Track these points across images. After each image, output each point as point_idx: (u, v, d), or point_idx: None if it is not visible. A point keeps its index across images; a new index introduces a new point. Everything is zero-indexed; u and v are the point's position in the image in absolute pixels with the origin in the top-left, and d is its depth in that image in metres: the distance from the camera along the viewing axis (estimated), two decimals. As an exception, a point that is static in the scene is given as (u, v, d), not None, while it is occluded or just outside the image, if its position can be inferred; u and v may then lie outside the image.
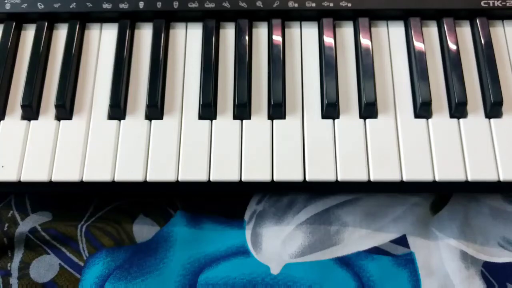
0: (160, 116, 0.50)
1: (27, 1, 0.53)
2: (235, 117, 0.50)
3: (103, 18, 0.54)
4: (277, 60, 0.51)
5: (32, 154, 0.49)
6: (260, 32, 0.54)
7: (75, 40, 0.53)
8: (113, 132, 0.49)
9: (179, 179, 0.47)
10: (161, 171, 0.48)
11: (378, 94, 0.50)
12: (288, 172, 0.48)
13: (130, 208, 0.54)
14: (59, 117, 0.50)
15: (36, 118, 0.50)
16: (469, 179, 0.47)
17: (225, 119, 0.50)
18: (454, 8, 0.53)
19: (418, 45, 0.52)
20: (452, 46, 0.52)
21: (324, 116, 0.50)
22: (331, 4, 0.53)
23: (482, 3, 0.53)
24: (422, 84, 0.50)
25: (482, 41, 0.52)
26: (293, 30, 0.54)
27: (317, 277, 0.51)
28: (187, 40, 0.54)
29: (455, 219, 0.53)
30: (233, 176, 0.47)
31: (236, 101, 0.50)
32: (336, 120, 0.50)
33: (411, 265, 0.51)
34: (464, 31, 0.54)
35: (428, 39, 0.53)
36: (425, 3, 0.53)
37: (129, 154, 0.48)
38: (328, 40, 0.52)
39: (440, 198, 0.54)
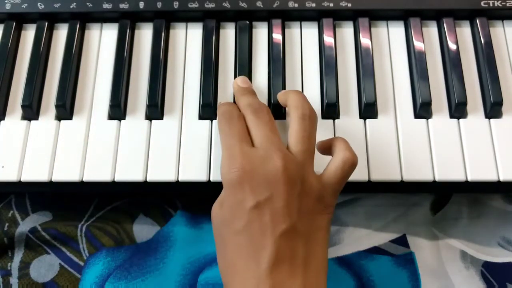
0: (160, 116, 0.50)
1: (27, 1, 0.53)
2: (235, 117, 0.50)
3: (103, 18, 0.54)
4: (277, 60, 0.51)
5: (32, 154, 0.49)
6: (260, 32, 0.54)
7: (75, 40, 0.53)
8: (113, 132, 0.49)
9: (179, 179, 0.47)
10: (161, 171, 0.48)
11: (378, 94, 0.50)
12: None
13: (130, 208, 0.54)
14: (59, 117, 0.50)
15: (36, 118, 0.50)
16: (469, 179, 0.47)
17: (225, 119, 0.50)
18: (454, 8, 0.53)
19: (418, 45, 0.52)
20: (452, 46, 0.52)
21: (324, 116, 0.50)
22: (331, 4, 0.53)
23: (482, 3, 0.53)
24: (422, 84, 0.50)
25: (482, 41, 0.52)
26: (293, 30, 0.54)
27: (317, 277, 0.51)
28: (187, 40, 0.54)
29: (455, 219, 0.53)
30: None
31: (236, 101, 0.50)
32: (336, 120, 0.50)
33: (411, 265, 0.51)
34: (464, 31, 0.54)
35: (428, 39, 0.53)
36: (425, 3, 0.53)
37: (129, 154, 0.48)
38: (328, 40, 0.52)
39: (440, 198, 0.54)
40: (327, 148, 0.44)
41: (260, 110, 0.43)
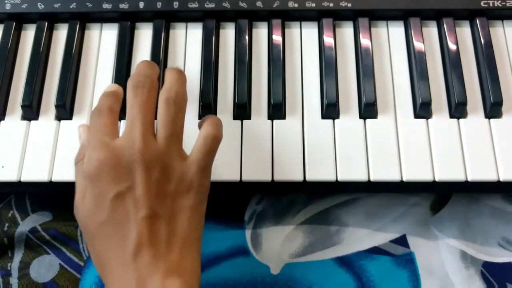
0: (160, 116, 0.50)
1: (27, 1, 0.53)
2: (235, 117, 0.50)
3: (103, 18, 0.54)
4: (277, 60, 0.51)
5: (32, 154, 0.49)
6: (260, 32, 0.54)
7: (75, 40, 0.53)
8: (113, 132, 0.49)
9: (179, 179, 0.47)
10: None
11: (378, 94, 0.50)
12: (288, 173, 0.48)
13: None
14: (59, 117, 0.50)
15: (36, 118, 0.50)
16: (469, 179, 0.47)
17: (225, 120, 0.49)
18: (454, 8, 0.53)
19: (418, 45, 0.52)
20: (452, 46, 0.52)
21: (324, 116, 0.50)
22: (331, 4, 0.53)
23: (482, 3, 0.53)
24: (422, 84, 0.50)
25: (482, 41, 0.52)
26: (293, 30, 0.54)
27: (317, 277, 0.51)
28: (187, 40, 0.54)
29: (455, 219, 0.53)
30: (233, 176, 0.47)
31: (236, 101, 0.50)
32: (336, 120, 0.50)
33: (411, 265, 0.51)
34: (464, 31, 0.54)
35: (428, 39, 0.53)
36: (425, 3, 0.53)
37: (129, 154, 0.48)
38: (328, 40, 0.52)
39: (440, 198, 0.54)
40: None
41: (141, 85, 0.42)
